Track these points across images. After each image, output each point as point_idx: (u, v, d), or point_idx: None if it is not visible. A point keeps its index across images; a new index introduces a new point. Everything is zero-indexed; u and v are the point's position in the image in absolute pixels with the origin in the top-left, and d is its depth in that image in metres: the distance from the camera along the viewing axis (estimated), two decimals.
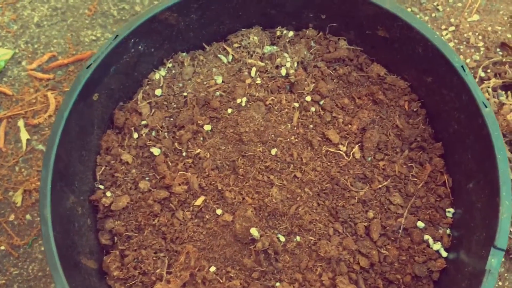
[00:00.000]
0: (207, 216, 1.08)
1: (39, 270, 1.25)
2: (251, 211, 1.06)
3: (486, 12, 1.51)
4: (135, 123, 1.16)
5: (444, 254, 1.04)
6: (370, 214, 1.07)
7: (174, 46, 1.23)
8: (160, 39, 1.19)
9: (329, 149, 1.13)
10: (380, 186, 1.10)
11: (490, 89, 1.33)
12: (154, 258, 1.05)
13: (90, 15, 1.54)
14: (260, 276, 1.03)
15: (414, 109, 1.17)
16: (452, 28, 1.48)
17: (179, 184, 1.09)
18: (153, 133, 1.16)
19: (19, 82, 1.45)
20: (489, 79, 1.38)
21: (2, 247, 1.26)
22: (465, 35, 1.47)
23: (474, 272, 0.92)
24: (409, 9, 1.51)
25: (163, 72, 1.22)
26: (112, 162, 1.14)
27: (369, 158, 1.13)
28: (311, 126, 1.15)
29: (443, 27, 1.49)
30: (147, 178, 1.12)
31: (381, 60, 1.22)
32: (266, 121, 1.14)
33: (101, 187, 1.12)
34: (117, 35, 1.08)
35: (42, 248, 1.26)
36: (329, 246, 1.03)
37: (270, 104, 1.16)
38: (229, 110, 1.16)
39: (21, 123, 1.40)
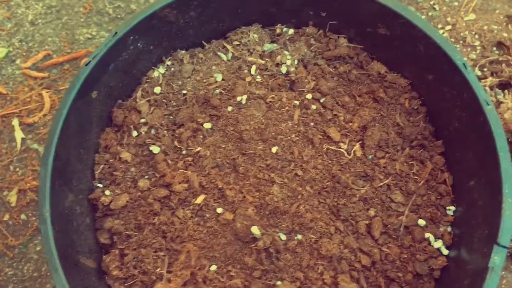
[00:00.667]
0: (207, 215, 1.07)
1: (34, 270, 1.24)
2: (252, 210, 1.05)
3: (483, 11, 1.52)
4: (134, 121, 1.15)
5: (445, 252, 1.04)
6: (371, 212, 1.07)
7: (173, 43, 1.23)
8: (159, 37, 1.18)
9: (330, 147, 1.12)
10: (381, 184, 1.10)
11: (487, 88, 1.34)
12: (154, 257, 1.04)
13: (85, 13, 1.53)
14: (261, 275, 1.03)
15: (415, 107, 1.18)
16: (449, 27, 1.49)
17: (179, 183, 1.08)
18: (153, 131, 1.15)
19: (13, 80, 1.44)
20: (485, 77, 1.39)
21: None
22: (462, 34, 1.48)
23: (477, 270, 0.92)
24: None
25: (162, 70, 1.22)
26: (111, 160, 1.13)
27: (370, 156, 1.13)
28: (312, 124, 1.15)
29: (440, 26, 1.50)
30: (146, 177, 1.11)
31: (381, 58, 1.22)
32: (267, 119, 1.14)
33: (100, 185, 1.11)
34: (116, 32, 1.07)
35: (38, 248, 1.26)
36: (330, 245, 1.03)
37: (270, 102, 1.16)
38: (229, 108, 1.16)
39: (15, 122, 1.39)
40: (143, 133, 1.15)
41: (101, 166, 1.12)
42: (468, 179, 1.05)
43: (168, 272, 1.02)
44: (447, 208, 1.08)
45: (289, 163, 1.11)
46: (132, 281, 1.03)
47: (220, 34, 1.27)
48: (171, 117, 1.17)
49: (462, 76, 1.03)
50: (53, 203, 0.94)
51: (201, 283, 1.01)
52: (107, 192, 1.09)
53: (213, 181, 1.09)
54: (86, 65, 1.04)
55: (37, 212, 1.28)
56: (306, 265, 1.03)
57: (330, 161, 1.12)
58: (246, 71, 1.21)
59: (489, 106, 0.98)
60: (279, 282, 1.02)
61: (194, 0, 1.15)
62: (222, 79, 1.20)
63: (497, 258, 0.88)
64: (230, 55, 1.23)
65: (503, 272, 1.22)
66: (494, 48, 1.46)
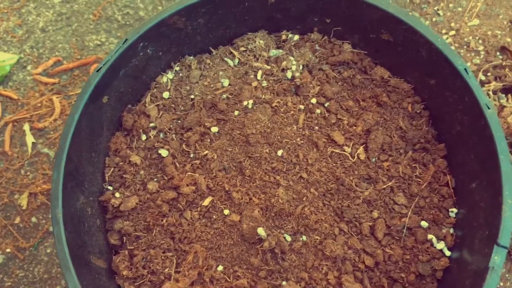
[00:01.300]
0: (214, 216, 1.09)
1: (44, 272, 1.25)
2: (258, 211, 1.07)
3: (486, 16, 1.53)
4: (144, 125, 1.17)
5: (448, 253, 1.05)
6: (375, 214, 1.09)
7: (182, 49, 1.25)
8: (168, 43, 1.20)
9: (334, 150, 1.14)
10: (384, 186, 1.11)
11: (490, 92, 1.35)
12: (162, 258, 1.06)
13: (94, 20, 1.55)
14: (267, 275, 1.04)
15: (418, 111, 1.19)
16: (453, 32, 1.50)
17: (187, 185, 1.10)
18: (161, 135, 1.17)
19: (24, 86, 1.46)
20: (489, 82, 1.40)
21: (8, 250, 1.27)
22: (466, 39, 1.49)
23: (478, 270, 0.93)
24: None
25: (170, 75, 1.24)
26: (121, 163, 1.15)
27: (374, 159, 1.14)
28: (317, 127, 1.17)
29: (444, 31, 1.51)
30: (155, 179, 1.13)
31: (384, 63, 1.24)
32: (272, 123, 1.15)
33: (110, 188, 1.13)
34: (126, 39, 1.09)
35: (48, 251, 1.27)
36: (334, 246, 1.04)
37: (276, 106, 1.18)
38: (236, 112, 1.17)
39: (26, 127, 1.41)
40: (152, 137, 1.17)
41: (112, 169, 1.14)
42: (470, 182, 1.06)
43: (176, 272, 1.04)
44: (450, 210, 1.09)
45: (294, 166, 1.12)
46: (141, 281, 1.04)
47: (227, 40, 1.29)
48: (179, 121, 1.19)
49: (464, 81, 1.04)
50: (65, 204, 0.96)
51: (208, 283, 1.02)
52: (117, 194, 1.11)
53: (220, 183, 1.11)
54: (97, 71, 1.06)
55: (47, 215, 1.30)
56: (310, 265, 1.05)
57: (334, 164, 1.13)
58: (252, 76, 1.23)
59: (490, 110, 0.99)
60: (284, 282, 1.03)
61: (202, 8, 1.17)
62: (229, 84, 1.22)
63: (497, 258, 0.89)
64: (236, 60, 1.25)
65: (507, 275, 1.23)
66: (498, 53, 1.47)
